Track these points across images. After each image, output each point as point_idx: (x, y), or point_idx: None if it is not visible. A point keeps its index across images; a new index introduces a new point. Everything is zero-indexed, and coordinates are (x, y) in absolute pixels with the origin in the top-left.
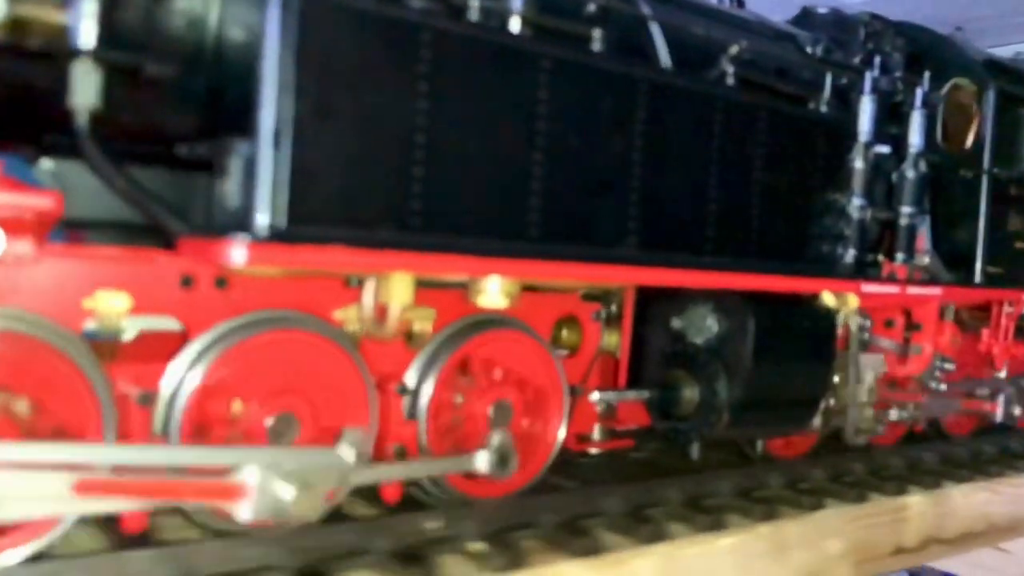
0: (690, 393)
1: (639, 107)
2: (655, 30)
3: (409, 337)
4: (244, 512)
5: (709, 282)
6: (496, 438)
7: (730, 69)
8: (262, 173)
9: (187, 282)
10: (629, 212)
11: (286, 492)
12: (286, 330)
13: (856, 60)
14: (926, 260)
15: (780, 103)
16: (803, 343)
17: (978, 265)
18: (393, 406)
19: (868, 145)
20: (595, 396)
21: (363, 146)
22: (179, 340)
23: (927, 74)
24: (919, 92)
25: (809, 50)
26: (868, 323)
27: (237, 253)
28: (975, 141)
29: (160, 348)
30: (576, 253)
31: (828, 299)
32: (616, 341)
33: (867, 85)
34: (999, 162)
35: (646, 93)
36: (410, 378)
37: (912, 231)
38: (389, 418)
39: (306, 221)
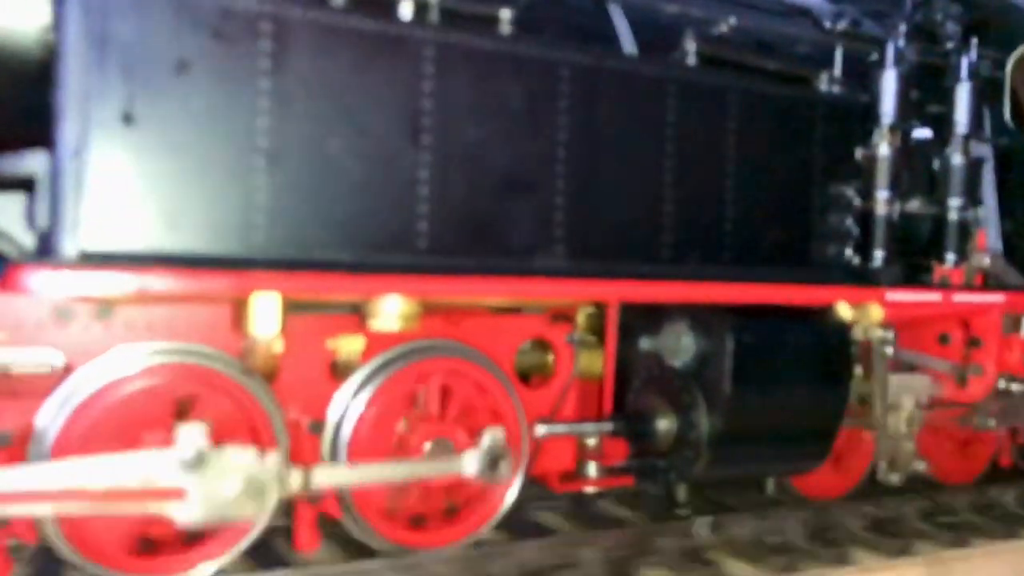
0: (666, 425)
1: (561, 95)
2: (615, 11)
3: (334, 368)
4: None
5: (663, 295)
6: (488, 437)
7: (692, 48)
8: (65, 190)
9: (63, 314)
10: (554, 217)
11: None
12: None
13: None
14: (986, 261)
15: (762, 83)
16: (804, 364)
17: None
18: (308, 445)
19: (895, 128)
20: (541, 430)
21: (188, 154)
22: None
23: (974, 41)
24: (964, 63)
25: (828, 25)
26: (890, 336)
27: (36, 281)
28: None
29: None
30: (478, 266)
31: (844, 311)
32: (600, 365)
33: (889, 57)
34: None
35: (570, 79)
36: (333, 414)
37: (964, 227)
38: (302, 459)
39: (120, 241)
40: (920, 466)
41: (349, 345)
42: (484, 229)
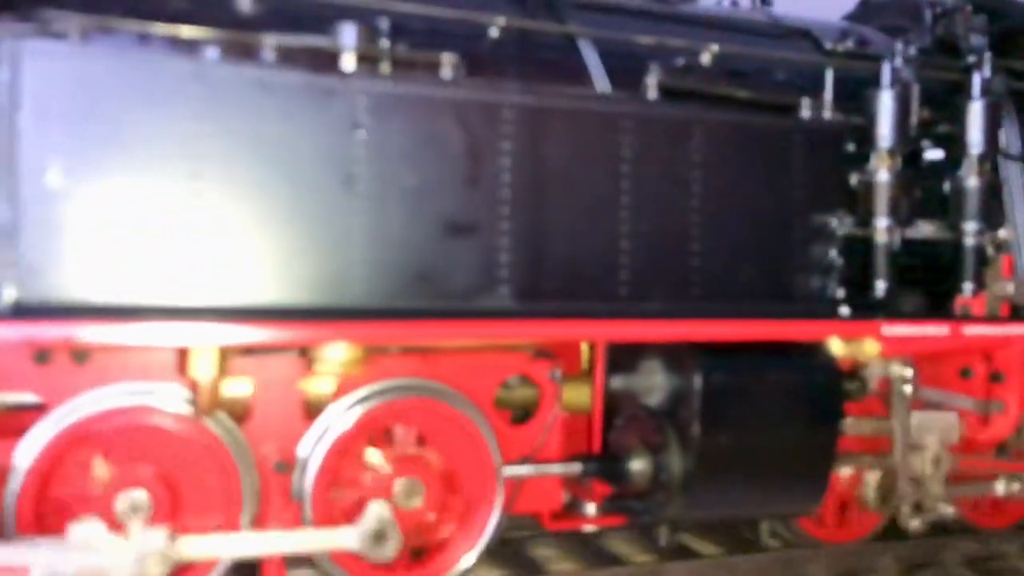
0: (639, 466)
1: (503, 136)
2: (585, 47)
3: (307, 407)
4: None
5: (619, 335)
6: (373, 511)
7: (652, 82)
8: (5, 239)
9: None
10: (499, 258)
11: None
12: None
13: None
14: (1009, 289)
15: (731, 113)
16: (784, 403)
17: None
18: (275, 485)
19: (893, 151)
20: (507, 471)
21: (120, 205)
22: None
23: (987, 56)
24: (976, 79)
25: (829, 46)
26: (908, 373)
27: None
28: None
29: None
30: (418, 309)
31: (836, 346)
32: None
33: (885, 77)
34: None
35: (513, 121)
36: (302, 452)
37: (981, 253)
38: (270, 499)
39: (58, 292)
40: (947, 510)
41: (318, 387)
42: (424, 272)
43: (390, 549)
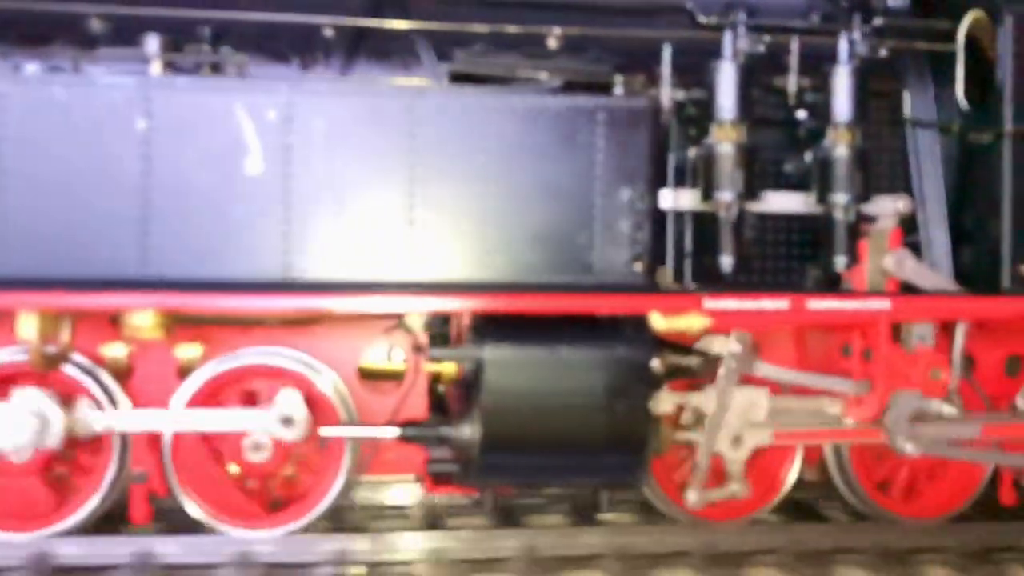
0: (446, 432)
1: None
2: (422, 43)
3: (181, 371)
4: None
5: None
6: (284, 396)
7: (442, 70)
8: None
9: None
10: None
11: None
12: None
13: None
14: (888, 264)
15: (526, 96)
16: (582, 376)
17: (1005, 264)
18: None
19: (736, 124)
20: (324, 431)
21: None
22: None
23: (857, 18)
24: (843, 43)
25: (704, 20)
26: (735, 348)
27: None
28: (992, 93)
29: None
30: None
31: (658, 321)
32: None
33: (726, 49)
34: None
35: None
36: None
37: (853, 227)
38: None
39: None
40: (738, 489)
41: (189, 352)
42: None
43: (297, 431)
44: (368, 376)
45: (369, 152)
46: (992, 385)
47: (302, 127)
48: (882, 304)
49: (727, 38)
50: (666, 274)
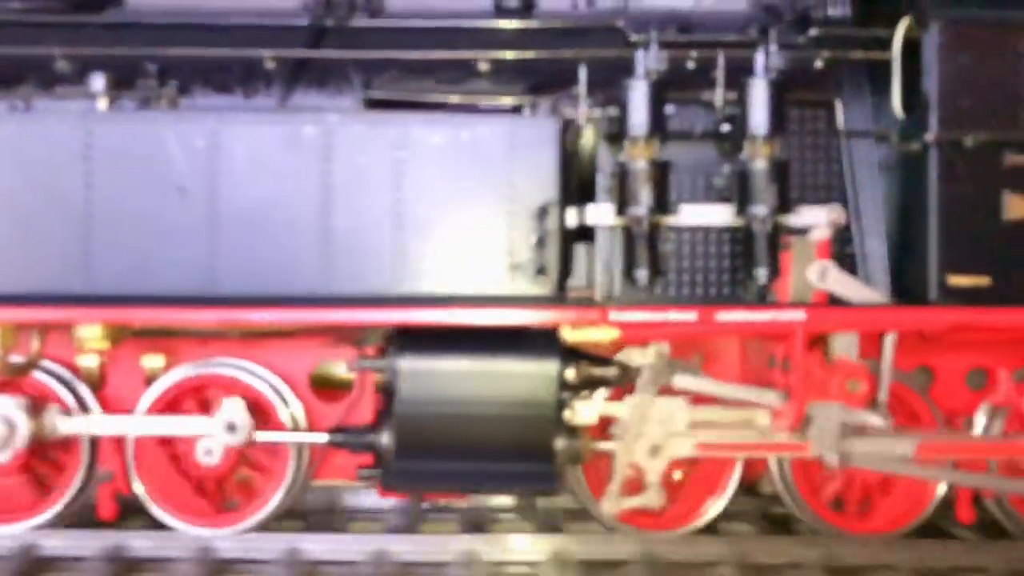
0: (371, 439)
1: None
2: (353, 70)
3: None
4: None
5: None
6: (228, 405)
7: (358, 95)
8: None
9: None
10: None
11: None
12: None
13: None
14: (811, 276)
15: (437, 120)
16: (489, 386)
17: (931, 274)
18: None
19: (648, 140)
20: (260, 436)
21: None
22: None
23: (773, 32)
24: (759, 56)
25: (635, 38)
26: (649, 360)
27: None
28: (920, 101)
29: None
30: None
31: (568, 334)
32: None
33: (638, 67)
34: (971, 123)
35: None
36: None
37: (772, 239)
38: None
39: None
40: (653, 500)
41: (153, 362)
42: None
43: (240, 437)
44: (322, 385)
45: (288, 175)
46: (953, 399)
47: (227, 153)
48: (796, 315)
49: (638, 56)
50: (595, 287)
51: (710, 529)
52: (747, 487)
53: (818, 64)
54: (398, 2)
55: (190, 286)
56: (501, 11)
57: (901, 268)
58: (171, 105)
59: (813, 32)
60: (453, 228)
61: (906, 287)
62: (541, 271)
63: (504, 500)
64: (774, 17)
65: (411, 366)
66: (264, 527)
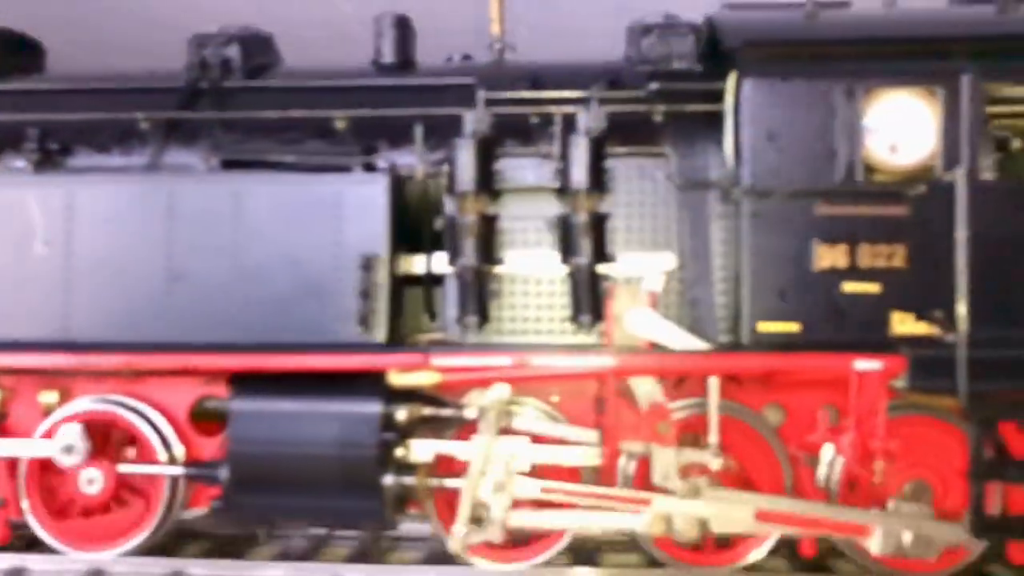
0: (216, 473)
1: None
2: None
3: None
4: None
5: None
6: (64, 431)
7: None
8: None
9: None
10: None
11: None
12: None
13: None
14: (630, 323)
15: (282, 179)
16: (314, 427)
17: (744, 321)
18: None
19: (473, 195)
20: (121, 468)
21: None
22: None
23: (593, 91)
24: (582, 116)
25: (482, 96)
26: (489, 402)
27: None
28: (736, 154)
29: None
30: None
31: (397, 378)
32: None
33: (466, 126)
34: (782, 174)
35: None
36: None
37: (591, 284)
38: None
39: None
40: (494, 535)
41: (48, 398)
42: None
43: (76, 458)
44: (202, 419)
45: (136, 230)
46: (803, 436)
47: (81, 212)
48: (606, 360)
49: (467, 116)
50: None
51: None
52: None
53: (657, 118)
54: (292, 63)
55: (47, 332)
56: (381, 69)
57: (737, 314)
58: (53, 166)
59: (654, 86)
60: (286, 279)
61: (738, 332)
62: (363, 321)
63: None
64: (628, 70)
65: (241, 407)
66: (147, 551)
